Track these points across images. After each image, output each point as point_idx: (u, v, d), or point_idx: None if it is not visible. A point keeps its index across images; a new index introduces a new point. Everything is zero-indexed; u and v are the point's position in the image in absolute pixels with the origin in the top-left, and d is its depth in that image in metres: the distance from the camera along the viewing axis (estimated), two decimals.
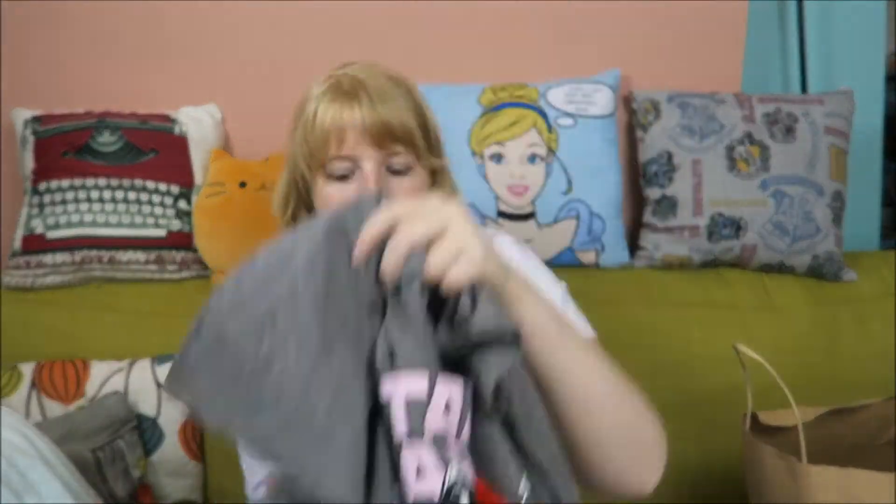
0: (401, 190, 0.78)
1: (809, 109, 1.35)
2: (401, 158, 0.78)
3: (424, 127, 0.81)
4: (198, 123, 1.38)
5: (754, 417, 0.88)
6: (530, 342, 0.60)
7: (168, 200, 1.35)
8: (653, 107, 1.37)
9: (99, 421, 1.12)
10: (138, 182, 1.33)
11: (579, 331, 0.69)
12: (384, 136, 0.76)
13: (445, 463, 0.49)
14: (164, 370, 1.20)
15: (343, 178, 0.78)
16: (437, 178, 0.85)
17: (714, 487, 1.25)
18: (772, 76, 1.59)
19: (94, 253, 1.31)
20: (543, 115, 1.34)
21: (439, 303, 0.56)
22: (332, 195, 0.79)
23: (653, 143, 1.36)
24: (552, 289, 0.85)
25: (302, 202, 0.85)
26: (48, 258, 1.31)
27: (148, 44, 1.42)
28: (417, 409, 0.50)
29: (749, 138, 1.32)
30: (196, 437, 1.22)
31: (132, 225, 1.32)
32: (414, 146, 0.79)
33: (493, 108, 1.34)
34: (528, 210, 1.33)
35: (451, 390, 0.51)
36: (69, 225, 1.31)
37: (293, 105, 0.82)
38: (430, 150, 0.82)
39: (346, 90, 0.78)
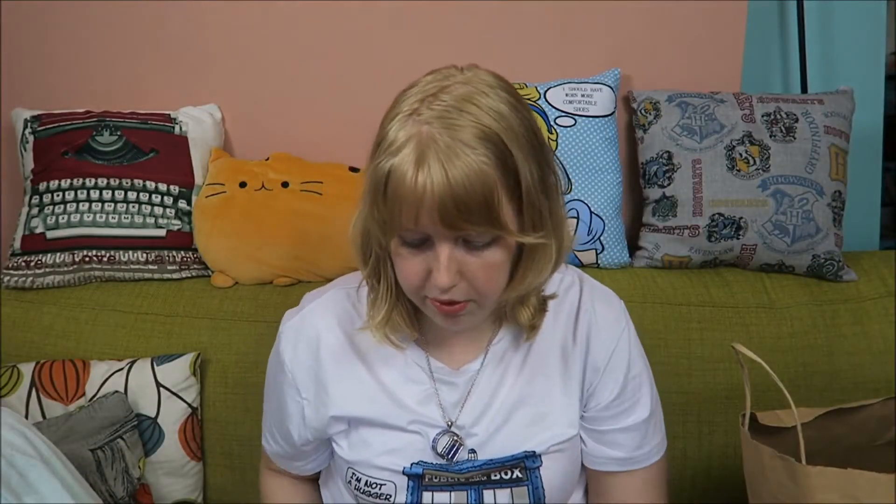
0: (477, 269, 0.72)
1: (809, 109, 1.35)
2: (479, 236, 0.71)
3: (512, 192, 0.70)
4: (198, 123, 1.39)
5: (753, 418, 0.88)
6: None
7: (168, 200, 1.35)
8: (653, 107, 1.37)
9: (98, 421, 1.12)
10: (138, 182, 1.34)
11: None
12: (457, 218, 0.68)
13: None
14: (163, 370, 1.20)
15: (417, 245, 0.72)
16: (528, 250, 0.75)
17: (714, 487, 1.25)
18: (772, 76, 1.59)
19: (93, 253, 1.31)
20: (543, 114, 1.34)
21: None
22: (406, 260, 0.74)
23: (652, 142, 1.36)
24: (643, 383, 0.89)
25: (382, 252, 0.78)
26: (48, 258, 1.31)
27: (148, 44, 1.42)
28: None
29: (749, 138, 1.32)
30: (196, 437, 1.22)
31: (132, 225, 1.32)
32: (493, 224, 0.69)
33: None
34: None
35: None
36: (69, 225, 1.31)
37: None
38: (520, 217, 0.72)
39: (421, 150, 0.67)
